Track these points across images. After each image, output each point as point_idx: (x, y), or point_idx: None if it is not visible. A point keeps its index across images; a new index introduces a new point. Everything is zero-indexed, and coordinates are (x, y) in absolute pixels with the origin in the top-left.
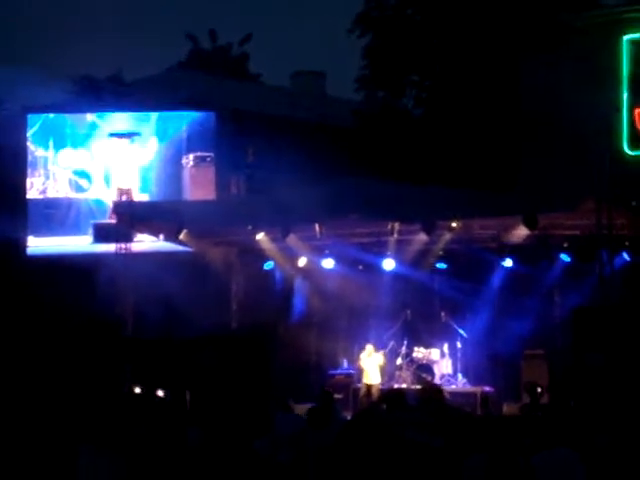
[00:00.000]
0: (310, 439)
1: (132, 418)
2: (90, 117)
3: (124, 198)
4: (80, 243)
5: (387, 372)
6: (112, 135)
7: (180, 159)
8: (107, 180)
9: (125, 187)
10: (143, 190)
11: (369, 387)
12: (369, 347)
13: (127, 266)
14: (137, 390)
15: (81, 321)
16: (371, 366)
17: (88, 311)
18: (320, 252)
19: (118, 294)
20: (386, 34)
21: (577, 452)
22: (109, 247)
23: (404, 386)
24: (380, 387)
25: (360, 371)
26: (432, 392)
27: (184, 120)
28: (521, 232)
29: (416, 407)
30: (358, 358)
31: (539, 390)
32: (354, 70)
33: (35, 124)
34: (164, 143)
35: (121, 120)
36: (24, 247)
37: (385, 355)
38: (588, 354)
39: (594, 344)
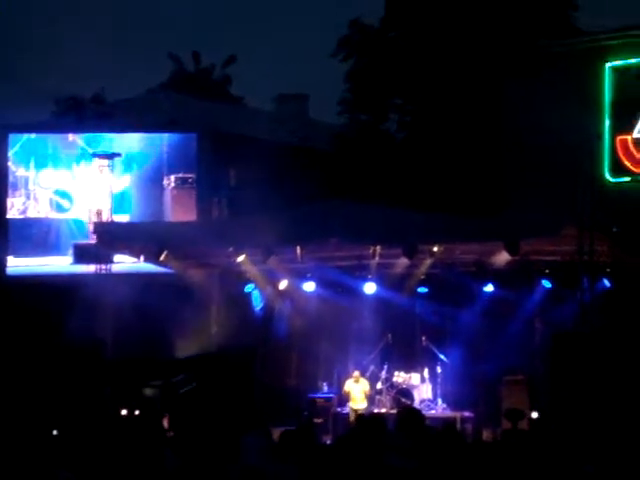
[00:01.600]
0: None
1: (109, 441)
2: (72, 137)
3: (95, 219)
4: (60, 263)
5: (367, 396)
6: (94, 155)
7: (161, 180)
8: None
9: (96, 208)
10: (123, 211)
11: (356, 411)
12: (356, 373)
13: (107, 287)
14: (123, 412)
15: (60, 342)
16: (358, 392)
17: (68, 332)
18: (301, 275)
19: (98, 315)
20: (369, 58)
21: None
22: (89, 268)
23: (383, 410)
24: (365, 412)
25: (346, 396)
26: (410, 414)
27: (165, 141)
28: (503, 257)
29: (394, 430)
30: (343, 383)
31: (525, 415)
32: (337, 93)
33: (16, 144)
34: (145, 165)
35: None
36: (3, 267)
37: (368, 380)
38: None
39: (574, 371)
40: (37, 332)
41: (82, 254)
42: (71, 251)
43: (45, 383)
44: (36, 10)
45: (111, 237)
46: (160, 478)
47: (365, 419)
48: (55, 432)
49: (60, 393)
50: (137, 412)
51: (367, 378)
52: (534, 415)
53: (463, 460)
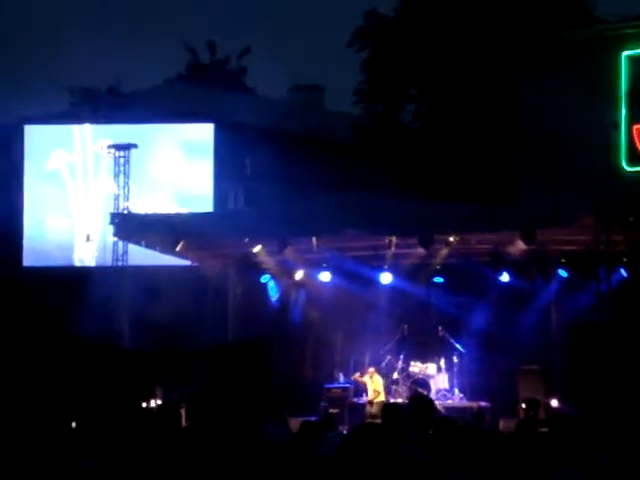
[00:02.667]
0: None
1: (127, 432)
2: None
3: None
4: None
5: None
6: (111, 147)
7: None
8: None
9: None
10: None
11: (371, 403)
12: (371, 370)
13: (124, 279)
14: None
15: (76, 334)
16: (375, 385)
17: (84, 324)
18: (317, 265)
19: (115, 307)
20: (385, 48)
21: (580, 471)
22: (107, 259)
23: (400, 400)
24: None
25: (364, 386)
26: (422, 403)
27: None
28: (519, 247)
29: (409, 420)
30: (361, 377)
31: (541, 404)
32: (353, 84)
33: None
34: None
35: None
36: (20, 259)
37: (381, 373)
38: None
39: (590, 361)
40: (53, 324)
41: None
42: None
43: (62, 375)
44: (51, 4)
45: (128, 228)
46: (179, 470)
47: (382, 408)
48: (73, 424)
49: (77, 385)
50: (154, 404)
51: (383, 370)
52: (554, 403)
53: (481, 451)
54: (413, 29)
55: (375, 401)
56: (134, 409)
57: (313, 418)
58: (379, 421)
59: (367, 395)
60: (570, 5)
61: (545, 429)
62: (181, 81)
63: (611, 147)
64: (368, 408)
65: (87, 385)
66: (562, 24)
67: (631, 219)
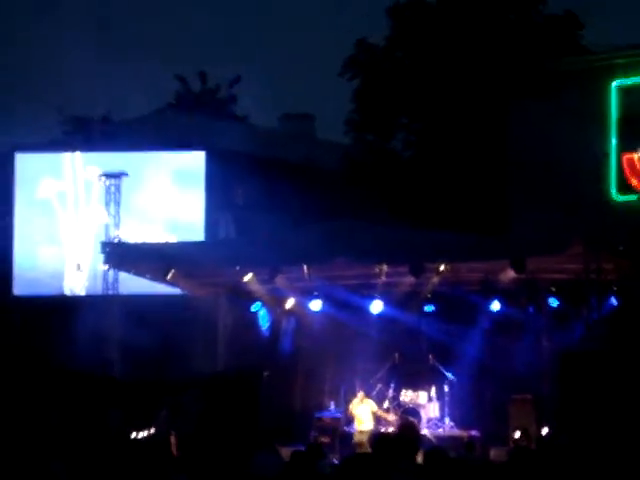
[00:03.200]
0: None
1: (118, 463)
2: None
3: None
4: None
5: (375, 417)
6: (102, 175)
7: None
8: None
9: None
10: None
11: (361, 433)
12: (360, 394)
13: (115, 307)
14: (132, 435)
15: (67, 363)
16: (363, 413)
17: (74, 353)
18: (308, 294)
19: (106, 336)
20: (375, 77)
21: None
22: (97, 288)
23: (391, 430)
24: (371, 434)
25: (351, 417)
26: (409, 430)
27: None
28: (509, 275)
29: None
30: (349, 403)
31: (532, 434)
32: (343, 113)
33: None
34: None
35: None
36: (10, 287)
37: (374, 400)
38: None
39: (581, 390)
40: (42, 353)
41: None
42: None
43: (51, 405)
44: (43, 30)
45: (118, 256)
46: None
47: (373, 438)
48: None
49: (67, 416)
50: (145, 433)
51: (373, 397)
52: (544, 431)
53: None
54: (404, 59)
55: (364, 430)
56: (124, 439)
57: (303, 448)
58: (369, 450)
59: (358, 423)
60: (559, 35)
61: (535, 459)
62: (171, 110)
63: (601, 176)
64: (357, 436)
65: (77, 415)
66: (552, 54)
67: (621, 248)
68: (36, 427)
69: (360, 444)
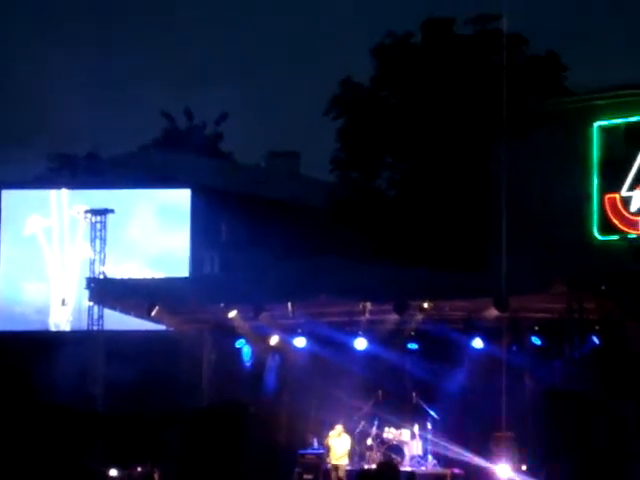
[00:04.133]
0: None
1: None
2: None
3: None
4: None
5: (357, 452)
6: (88, 212)
7: None
8: None
9: None
10: None
11: (336, 467)
12: (338, 427)
13: (99, 343)
14: (112, 472)
15: (50, 399)
16: (339, 446)
17: (58, 389)
18: (292, 330)
19: (90, 371)
20: (360, 116)
21: None
22: (82, 324)
23: (374, 467)
24: (347, 468)
25: (328, 450)
26: (388, 466)
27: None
28: (492, 314)
29: None
30: (327, 436)
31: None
32: (329, 151)
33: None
34: None
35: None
36: None
37: (354, 436)
38: None
39: (563, 429)
40: (26, 388)
41: None
42: None
43: (31, 441)
44: (27, 67)
45: (103, 292)
46: None
47: (358, 475)
48: None
49: (47, 451)
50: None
51: (351, 433)
52: (523, 468)
53: None
54: (388, 98)
55: (340, 464)
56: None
57: None
58: None
59: (334, 457)
60: (542, 77)
61: None
62: (157, 147)
63: (583, 216)
64: (334, 473)
65: (57, 450)
66: (535, 95)
67: (603, 288)
68: (19, 461)
69: (333, 478)
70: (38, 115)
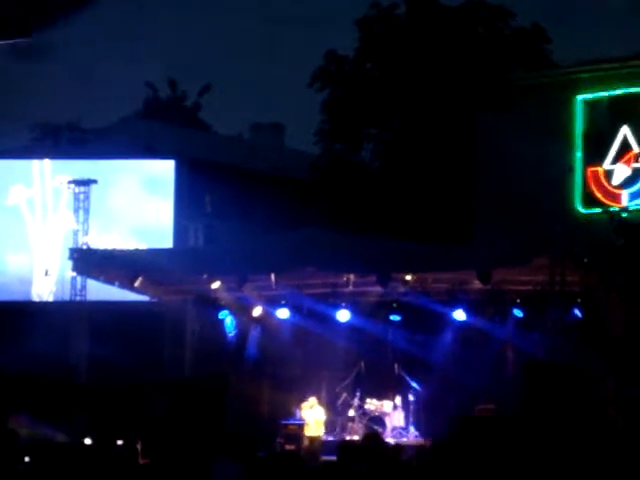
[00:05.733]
0: None
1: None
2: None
3: None
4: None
5: (339, 423)
6: (71, 182)
7: None
8: None
9: None
10: None
11: (311, 439)
12: (311, 399)
13: (83, 314)
14: (87, 441)
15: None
16: (313, 418)
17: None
18: (275, 302)
19: (73, 342)
20: (344, 88)
21: None
22: (65, 294)
23: (356, 438)
24: (322, 439)
25: (301, 419)
26: (372, 439)
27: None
28: (475, 286)
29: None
30: (301, 410)
31: None
32: (313, 123)
33: None
34: None
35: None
36: None
37: (335, 408)
38: None
39: (544, 401)
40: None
41: None
42: None
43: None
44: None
45: (86, 263)
46: None
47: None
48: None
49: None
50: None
51: (332, 405)
52: None
53: None
54: (373, 70)
55: (314, 436)
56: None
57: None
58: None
59: (307, 429)
60: (526, 49)
61: None
62: (140, 117)
63: (566, 189)
64: (305, 442)
65: (43, 421)
66: (518, 67)
67: (585, 260)
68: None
69: (308, 448)
70: (20, 86)
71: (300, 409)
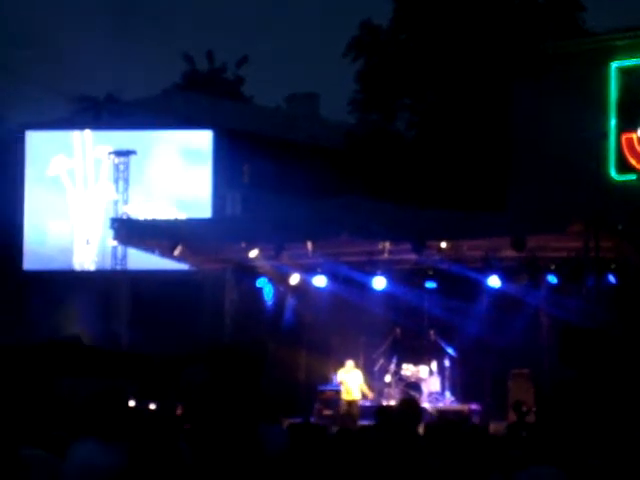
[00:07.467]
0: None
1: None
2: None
3: None
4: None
5: (376, 389)
6: (111, 153)
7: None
8: None
9: None
10: None
11: (349, 403)
12: (349, 363)
13: (123, 282)
14: (131, 403)
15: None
16: (350, 382)
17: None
18: (312, 270)
19: (114, 310)
20: (379, 58)
21: (565, 472)
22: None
23: (392, 403)
24: (359, 403)
25: (340, 386)
26: (410, 404)
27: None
28: (509, 253)
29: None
30: (337, 373)
31: (524, 409)
32: (348, 92)
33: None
34: None
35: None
36: (20, 261)
37: (373, 374)
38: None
39: (579, 365)
40: (52, 326)
41: None
42: None
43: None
44: (53, 12)
45: (127, 232)
46: (177, 471)
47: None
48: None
49: (76, 386)
50: (151, 404)
51: (369, 370)
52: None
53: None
54: (407, 40)
55: (351, 399)
56: (131, 410)
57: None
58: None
59: (346, 393)
60: (560, 17)
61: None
62: (179, 89)
63: (600, 156)
64: (343, 406)
65: (86, 386)
66: (552, 36)
67: (620, 227)
68: (44, 398)
69: (346, 412)
70: (60, 59)
71: (337, 374)
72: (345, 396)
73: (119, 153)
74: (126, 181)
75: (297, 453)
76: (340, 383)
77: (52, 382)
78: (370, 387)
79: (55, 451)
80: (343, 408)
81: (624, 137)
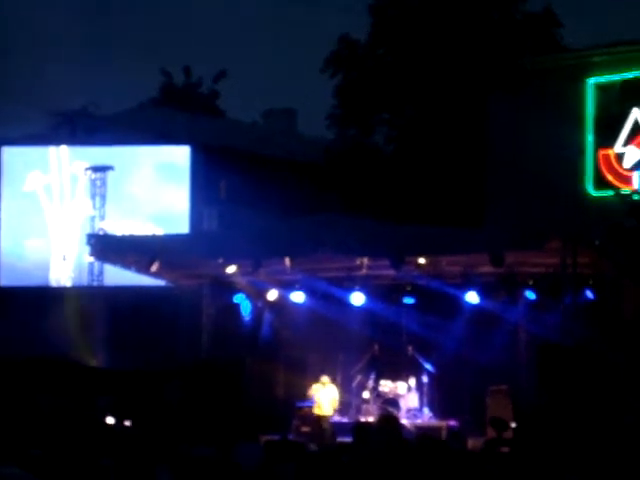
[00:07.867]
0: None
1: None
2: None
3: None
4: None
5: (353, 405)
6: (88, 169)
7: None
8: None
9: None
10: None
11: (319, 418)
12: (324, 378)
13: (100, 299)
14: (109, 421)
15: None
16: (323, 397)
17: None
18: (290, 286)
19: (90, 326)
20: (357, 73)
21: None
22: (82, 279)
23: (370, 419)
24: (330, 419)
25: (311, 398)
26: (388, 420)
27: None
28: (487, 269)
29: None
30: (311, 390)
31: (509, 424)
32: (325, 107)
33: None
34: None
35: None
36: None
37: (341, 389)
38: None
39: (556, 382)
40: (27, 342)
41: None
42: None
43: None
44: (28, 27)
45: (104, 248)
46: None
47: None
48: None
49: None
50: (127, 421)
51: (353, 390)
52: (513, 425)
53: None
54: (385, 55)
55: (321, 415)
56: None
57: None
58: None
59: (318, 408)
60: (537, 33)
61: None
62: (155, 104)
63: (578, 172)
64: (317, 424)
65: (63, 402)
66: (530, 52)
67: (597, 243)
68: (22, 414)
69: (317, 428)
70: (36, 74)
71: (312, 390)
72: (316, 411)
73: (96, 169)
74: (103, 197)
75: (273, 470)
76: (313, 398)
77: (30, 399)
78: (348, 403)
79: (32, 469)
80: (316, 423)
81: (601, 153)
